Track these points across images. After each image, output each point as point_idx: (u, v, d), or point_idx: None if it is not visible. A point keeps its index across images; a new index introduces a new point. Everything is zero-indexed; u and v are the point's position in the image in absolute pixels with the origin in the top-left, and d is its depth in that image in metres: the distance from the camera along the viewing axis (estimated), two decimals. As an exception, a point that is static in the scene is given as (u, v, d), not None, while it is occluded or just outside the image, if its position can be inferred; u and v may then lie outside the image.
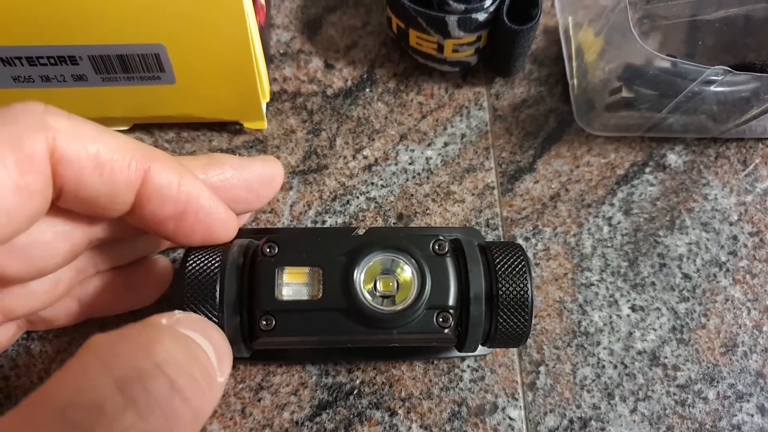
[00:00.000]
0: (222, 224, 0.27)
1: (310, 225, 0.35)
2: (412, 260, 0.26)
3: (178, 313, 0.23)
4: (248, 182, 0.28)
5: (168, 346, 0.20)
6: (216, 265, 0.26)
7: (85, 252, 0.27)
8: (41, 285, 0.26)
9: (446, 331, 0.26)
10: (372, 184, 0.36)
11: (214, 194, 0.26)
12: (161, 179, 0.24)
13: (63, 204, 0.23)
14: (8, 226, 0.21)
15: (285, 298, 0.26)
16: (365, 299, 0.25)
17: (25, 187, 0.21)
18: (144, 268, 0.31)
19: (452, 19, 0.34)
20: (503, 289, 0.26)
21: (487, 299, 0.27)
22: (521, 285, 0.27)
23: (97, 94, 0.33)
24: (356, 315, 0.26)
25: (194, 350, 0.21)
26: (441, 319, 0.26)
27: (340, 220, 0.35)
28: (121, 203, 0.24)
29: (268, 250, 0.26)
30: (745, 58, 0.39)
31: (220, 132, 0.37)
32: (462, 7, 0.34)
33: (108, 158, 0.22)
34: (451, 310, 0.26)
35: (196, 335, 0.22)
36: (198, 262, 0.26)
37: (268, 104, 0.38)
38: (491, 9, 0.35)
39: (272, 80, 0.38)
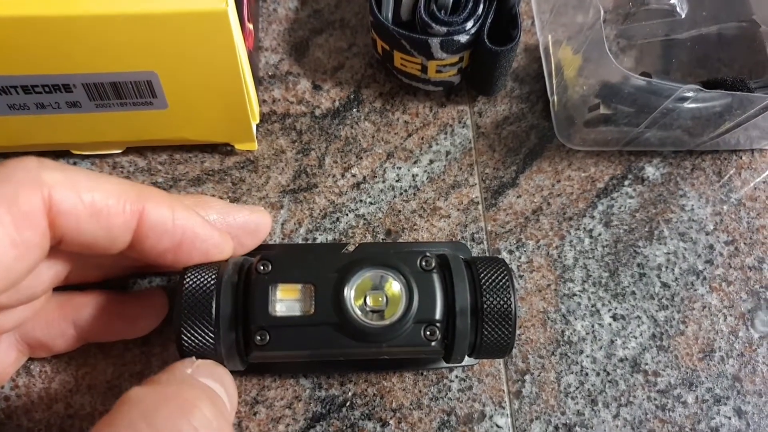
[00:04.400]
0: (217, 248, 0.28)
1: (301, 242, 0.36)
2: (400, 276, 0.27)
3: (198, 361, 0.26)
4: (231, 228, 0.30)
5: (204, 409, 0.22)
6: (212, 282, 0.27)
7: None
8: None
9: (433, 343, 0.27)
10: (360, 201, 0.38)
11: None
12: (156, 216, 0.25)
13: (63, 248, 0.25)
14: (6, 279, 0.22)
15: (278, 313, 0.27)
16: (356, 314, 0.27)
17: (22, 243, 0.22)
18: (139, 301, 0.32)
19: (435, 42, 0.36)
20: (487, 302, 0.28)
21: (472, 312, 0.28)
22: (505, 298, 0.28)
23: (91, 120, 0.34)
24: (347, 329, 0.27)
25: (219, 405, 0.24)
26: (428, 333, 0.27)
27: (330, 237, 0.37)
28: (119, 243, 0.25)
29: (262, 267, 0.27)
30: (719, 72, 0.41)
31: (212, 153, 0.38)
32: (444, 29, 0.35)
33: (103, 204, 0.24)
34: (437, 324, 0.27)
35: (214, 383, 0.25)
36: (195, 280, 0.27)
37: (258, 125, 0.39)
38: (472, 31, 0.36)
39: (261, 102, 0.39)
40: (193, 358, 0.26)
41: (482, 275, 0.28)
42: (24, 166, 0.23)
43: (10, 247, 0.22)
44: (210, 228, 0.28)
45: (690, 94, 0.33)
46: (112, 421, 0.21)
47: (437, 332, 0.27)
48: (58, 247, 0.25)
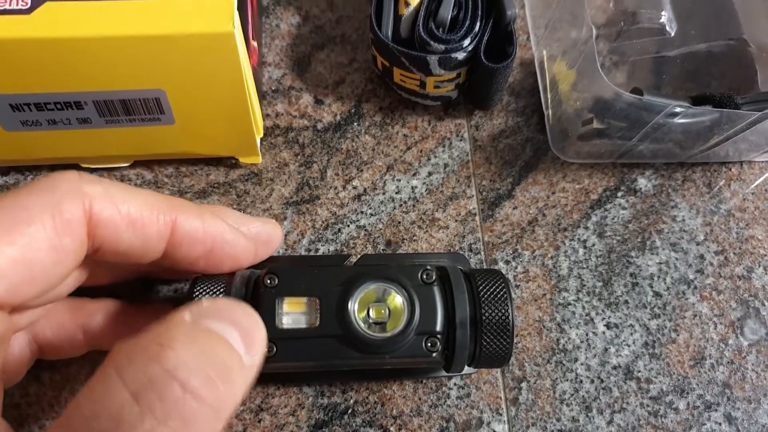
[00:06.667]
0: (245, 252, 0.29)
1: (304, 253, 0.37)
2: (402, 289, 0.28)
3: (204, 302, 0.24)
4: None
5: (179, 351, 0.21)
6: (220, 295, 0.28)
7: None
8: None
9: (434, 355, 0.28)
10: (361, 212, 0.39)
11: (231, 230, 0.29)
12: (187, 226, 0.27)
13: (100, 257, 0.26)
14: (44, 282, 0.23)
15: (285, 326, 0.28)
16: (359, 327, 0.28)
17: (62, 248, 0.23)
18: (148, 313, 0.33)
19: (433, 59, 0.37)
20: (486, 314, 0.29)
21: (471, 324, 0.29)
22: (503, 310, 0.29)
23: (100, 135, 0.35)
24: (351, 341, 0.28)
25: (210, 346, 0.22)
26: (429, 344, 0.28)
27: (332, 248, 0.38)
28: (153, 252, 0.27)
29: (269, 281, 0.28)
30: (709, 86, 0.42)
31: (217, 166, 0.39)
32: (442, 47, 0.36)
33: (139, 215, 0.25)
34: (438, 335, 0.28)
35: (220, 324, 0.23)
36: (203, 293, 0.28)
37: (261, 139, 0.40)
38: (469, 48, 0.37)
39: (265, 116, 0.40)
40: (202, 300, 0.24)
41: (481, 287, 0.29)
42: (67, 178, 0.24)
43: (50, 251, 0.23)
44: (237, 234, 0.29)
45: (679, 110, 0.34)
46: (92, 381, 0.21)
47: (438, 344, 0.28)
48: (94, 256, 0.26)
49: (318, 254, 0.37)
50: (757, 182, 0.42)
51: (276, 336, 0.27)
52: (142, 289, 0.35)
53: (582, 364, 0.36)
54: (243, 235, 0.29)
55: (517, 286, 0.37)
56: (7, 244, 0.22)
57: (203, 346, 0.22)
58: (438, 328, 0.28)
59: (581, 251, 0.39)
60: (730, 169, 0.42)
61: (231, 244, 0.29)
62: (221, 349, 0.22)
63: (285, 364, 0.28)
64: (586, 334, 0.37)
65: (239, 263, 0.30)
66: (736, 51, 0.41)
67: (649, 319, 0.37)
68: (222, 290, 0.28)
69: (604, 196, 0.40)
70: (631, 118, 0.36)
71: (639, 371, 0.36)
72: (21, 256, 0.22)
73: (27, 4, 0.29)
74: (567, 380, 0.35)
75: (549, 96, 0.42)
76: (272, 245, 0.32)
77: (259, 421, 0.33)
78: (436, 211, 0.39)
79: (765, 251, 0.40)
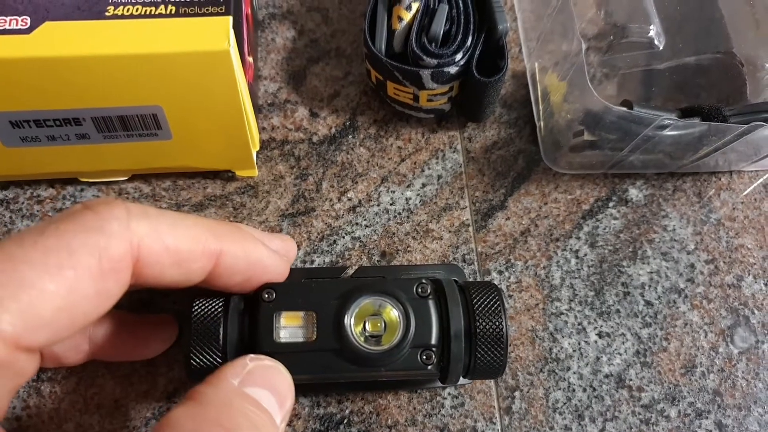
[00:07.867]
0: (281, 276, 0.30)
1: (299, 264, 0.38)
2: (398, 303, 0.29)
3: (250, 363, 0.26)
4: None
5: None
6: (219, 311, 0.28)
7: None
8: None
9: (429, 367, 0.28)
10: (356, 224, 0.39)
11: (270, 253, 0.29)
12: (231, 259, 0.27)
13: (137, 286, 0.26)
14: (83, 323, 0.24)
15: (282, 340, 0.28)
16: (356, 341, 0.28)
17: (105, 292, 0.23)
18: (152, 324, 0.33)
19: (426, 73, 0.37)
20: (481, 326, 0.29)
21: (466, 336, 0.29)
22: (497, 323, 0.29)
23: (98, 150, 0.35)
24: (347, 355, 0.28)
25: (259, 421, 0.23)
26: (424, 357, 0.28)
27: (327, 259, 0.38)
28: (193, 282, 0.27)
29: (266, 296, 0.29)
30: (698, 97, 0.42)
31: (214, 179, 0.39)
32: (435, 62, 0.37)
33: (185, 252, 0.25)
34: (433, 349, 0.29)
35: (263, 392, 0.25)
36: (203, 308, 0.28)
37: (257, 152, 0.40)
38: (462, 62, 0.37)
39: (261, 129, 0.41)
40: (246, 360, 0.26)
41: (475, 300, 0.30)
42: (116, 215, 0.24)
43: (93, 297, 0.23)
44: (276, 258, 0.29)
45: (668, 122, 0.35)
46: None
47: (433, 357, 0.29)
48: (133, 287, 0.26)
49: (316, 267, 0.38)
50: (746, 191, 0.43)
51: (273, 350, 0.28)
52: (141, 300, 0.36)
53: (574, 373, 0.36)
54: (280, 258, 0.30)
55: (510, 296, 0.38)
56: (53, 292, 0.22)
57: (254, 422, 0.23)
58: (433, 341, 0.29)
59: (573, 261, 0.39)
60: (720, 179, 0.43)
61: (269, 270, 0.29)
62: (266, 423, 0.24)
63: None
64: (579, 343, 0.37)
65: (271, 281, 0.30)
66: (724, 63, 0.42)
67: (641, 328, 0.38)
68: (221, 305, 0.29)
69: (595, 207, 0.41)
70: (621, 130, 0.37)
71: (631, 379, 0.37)
72: (65, 304, 0.22)
73: (27, 23, 0.30)
74: (559, 389, 0.36)
75: (541, 108, 0.42)
76: (289, 262, 0.32)
77: (257, 432, 0.34)
78: (430, 222, 0.40)
79: (754, 260, 0.40)
